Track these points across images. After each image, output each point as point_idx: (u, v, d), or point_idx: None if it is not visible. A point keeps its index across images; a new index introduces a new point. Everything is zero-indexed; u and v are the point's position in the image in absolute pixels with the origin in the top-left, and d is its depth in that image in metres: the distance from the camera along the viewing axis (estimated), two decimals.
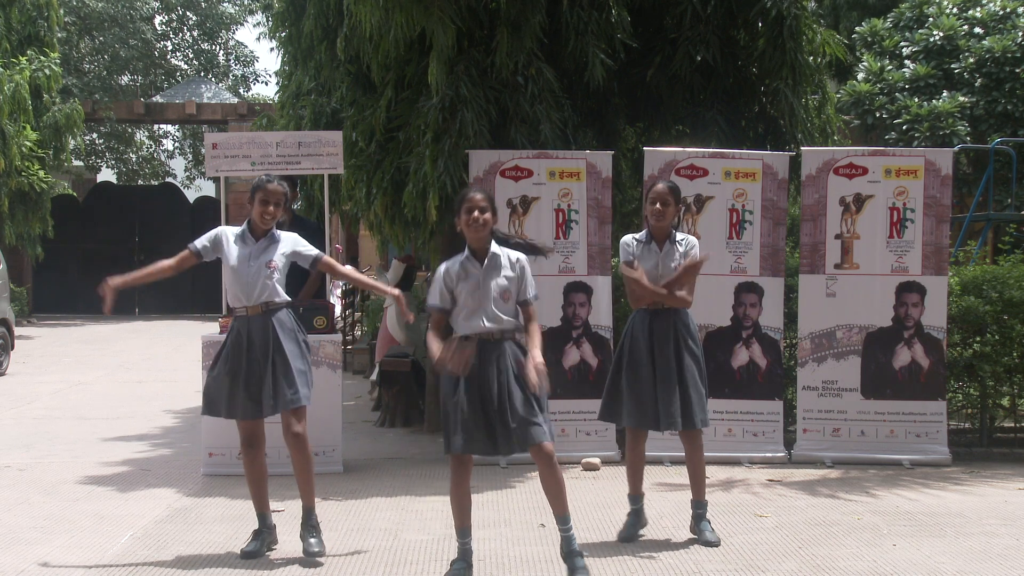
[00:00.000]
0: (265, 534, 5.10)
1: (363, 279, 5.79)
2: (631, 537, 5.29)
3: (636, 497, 5.38)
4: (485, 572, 4.76)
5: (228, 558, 4.98)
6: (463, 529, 4.62)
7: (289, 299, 5.15)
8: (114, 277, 4.98)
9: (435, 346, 4.50)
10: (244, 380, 4.98)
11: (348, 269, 5.78)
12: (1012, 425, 7.89)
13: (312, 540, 5.00)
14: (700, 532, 5.25)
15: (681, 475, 6.64)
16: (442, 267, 4.66)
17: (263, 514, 5.12)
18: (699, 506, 5.31)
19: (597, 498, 6.20)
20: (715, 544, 5.15)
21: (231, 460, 6.71)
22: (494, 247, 4.63)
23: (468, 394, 4.48)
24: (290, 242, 5.15)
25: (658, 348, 5.19)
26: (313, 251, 5.20)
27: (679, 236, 5.30)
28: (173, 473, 6.96)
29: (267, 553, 5.06)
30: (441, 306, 4.61)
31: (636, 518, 5.36)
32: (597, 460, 7.01)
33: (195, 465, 7.05)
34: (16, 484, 6.59)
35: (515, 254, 4.67)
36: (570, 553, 4.53)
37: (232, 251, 5.05)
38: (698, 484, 5.30)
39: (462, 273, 4.60)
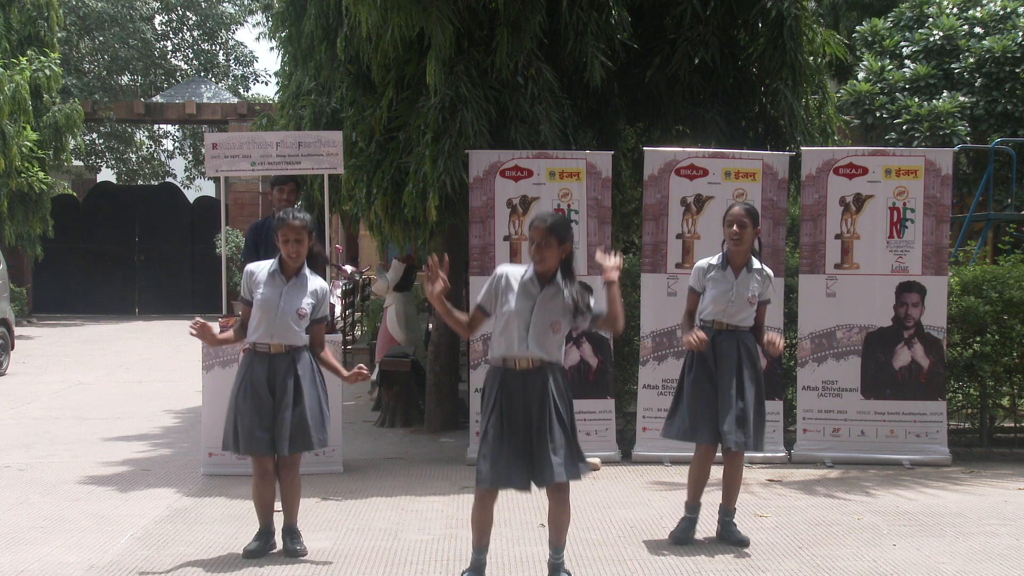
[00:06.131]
0: (268, 536, 5.10)
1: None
2: (683, 540, 5.27)
3: (692, 507, 5.35)
4: (485, 571, 4.75)
5: (228, 558, 4.98)
6: (481, 547, 4.54)
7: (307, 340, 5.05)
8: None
9: None
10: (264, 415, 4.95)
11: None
12: (1012, 425, 7.89)
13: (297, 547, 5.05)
14: (730, 535, 5.26)
15: (681, 475, 6.65)
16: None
17: (267, 523, 5.13)
18: (727, 513, 5.33)
19: (597, 498, 6.20)
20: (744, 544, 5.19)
21: (231, 460, 6.70)
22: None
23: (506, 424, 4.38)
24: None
25: (721, 367, 5.18)
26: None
27: (757, 264, 5.24)
28: (173, 473, 6.96)
29: (268, 552, 5.06)
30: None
31: (689, 525, 5.34)
32: (597, 460, 7.01)
33: (195, 465, 7.05)
34: (16, 484, 6.59)
35: None
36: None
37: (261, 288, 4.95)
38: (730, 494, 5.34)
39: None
